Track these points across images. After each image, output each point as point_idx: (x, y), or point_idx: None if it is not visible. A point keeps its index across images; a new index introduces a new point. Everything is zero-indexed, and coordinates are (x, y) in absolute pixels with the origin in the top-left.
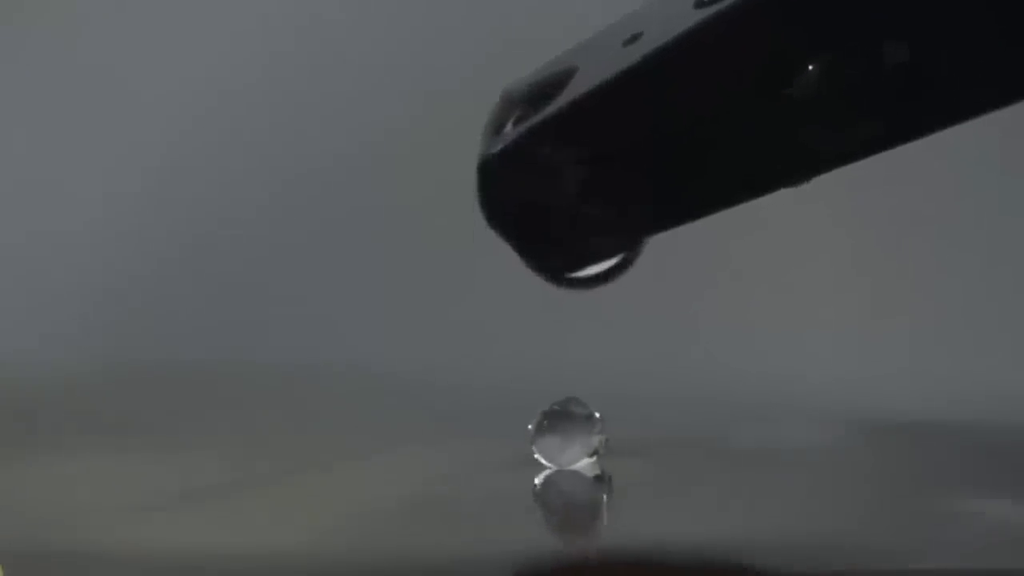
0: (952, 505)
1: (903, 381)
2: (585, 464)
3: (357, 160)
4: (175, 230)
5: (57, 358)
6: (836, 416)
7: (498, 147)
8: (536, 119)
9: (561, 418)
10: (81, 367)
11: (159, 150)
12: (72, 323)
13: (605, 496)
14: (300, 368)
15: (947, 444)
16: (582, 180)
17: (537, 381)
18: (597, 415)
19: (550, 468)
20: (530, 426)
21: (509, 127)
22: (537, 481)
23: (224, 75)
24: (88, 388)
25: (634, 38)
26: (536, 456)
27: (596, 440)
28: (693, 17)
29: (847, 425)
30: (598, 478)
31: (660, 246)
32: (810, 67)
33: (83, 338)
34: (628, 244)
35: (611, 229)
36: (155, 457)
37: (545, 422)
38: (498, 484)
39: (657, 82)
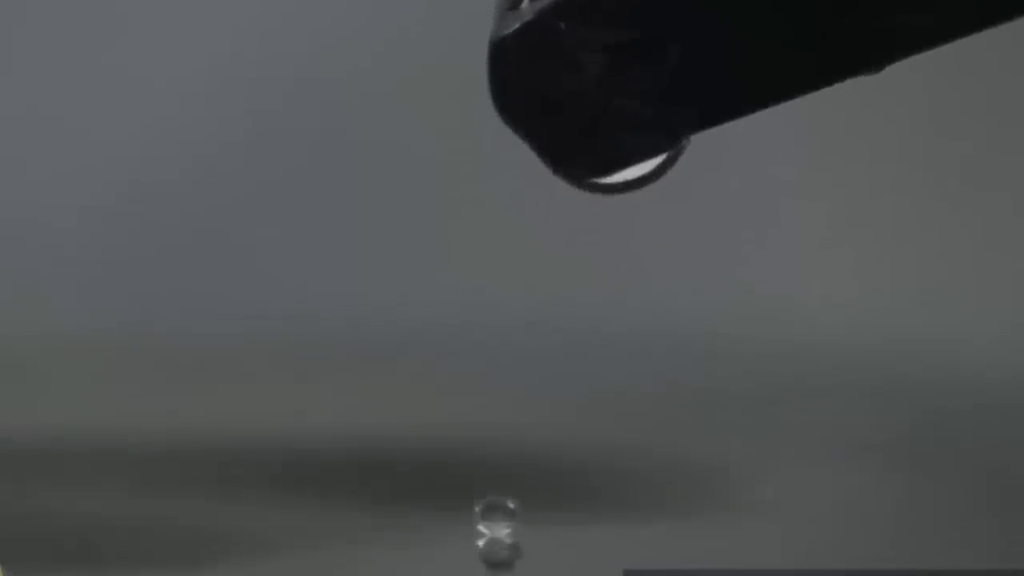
0: None
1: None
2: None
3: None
4: (141, 179)
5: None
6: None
7: (514, 25)
8: None
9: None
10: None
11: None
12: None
13: None
14: (271, 316)
15: None
16: (614, 67)
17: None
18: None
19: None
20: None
21: (526, 2)
22: None
23: (194, 21)
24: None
25: None
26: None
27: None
28: None
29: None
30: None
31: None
32: None
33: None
34: (667, 144)
35: (647, 126)
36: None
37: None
38: None
39: None
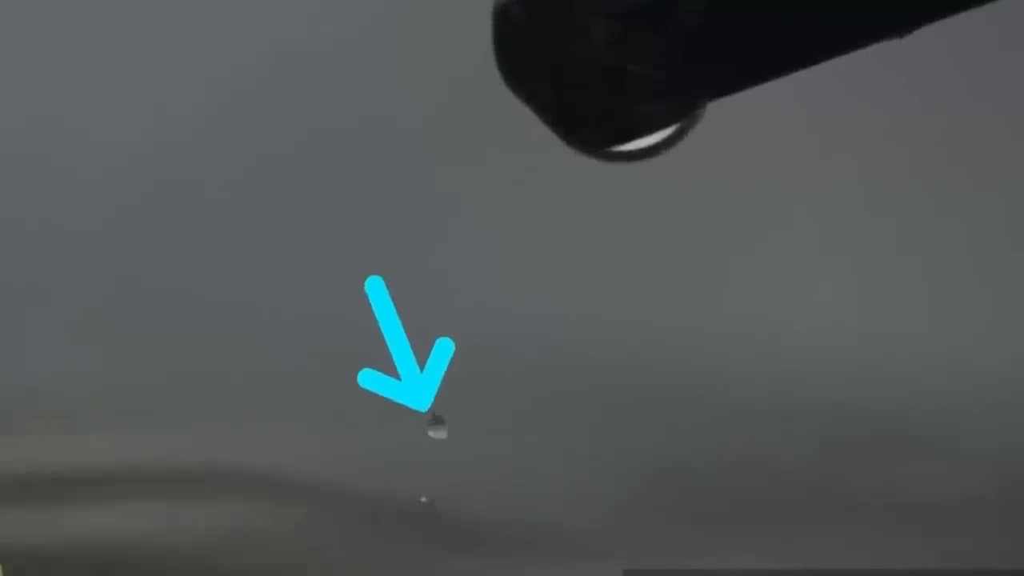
0: None
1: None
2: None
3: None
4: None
5: None
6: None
7: None
8: None
9: None
10: None
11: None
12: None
13: None
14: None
15: None
16: (628, 33)
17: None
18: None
19: None
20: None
21: None
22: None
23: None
24: None
25: None
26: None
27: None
28: None
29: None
30: None
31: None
32: None
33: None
34: (683, 112)
35: (660, 93)
36: None
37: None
38: None
39: None
